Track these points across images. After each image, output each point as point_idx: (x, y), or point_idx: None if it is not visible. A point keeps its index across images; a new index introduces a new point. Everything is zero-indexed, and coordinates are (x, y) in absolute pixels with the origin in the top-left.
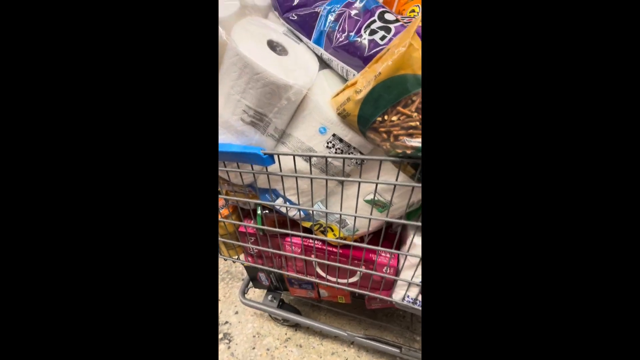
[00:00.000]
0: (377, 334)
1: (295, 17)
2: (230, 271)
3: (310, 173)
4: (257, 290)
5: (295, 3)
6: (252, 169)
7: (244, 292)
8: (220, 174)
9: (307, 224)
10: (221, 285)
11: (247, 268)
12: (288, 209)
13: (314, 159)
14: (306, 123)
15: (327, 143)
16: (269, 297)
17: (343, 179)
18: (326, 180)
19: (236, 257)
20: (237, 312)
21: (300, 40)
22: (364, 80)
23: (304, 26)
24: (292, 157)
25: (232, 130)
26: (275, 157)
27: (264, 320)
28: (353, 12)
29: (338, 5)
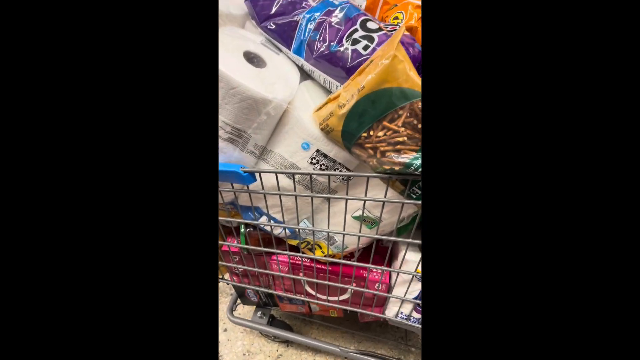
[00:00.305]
0: (371, 347)
1: (274, 27)
2: (219, 287)
3: (295, 190)
4: (246, 306)
5: (273, 12)
6: (233, 187)
7: (232, 310)
8: None
9: (294, 242)
10: None
11: (234, 285)
12: (273, 227)
13: (297, 176)
14: (288, 139)
15: (311, 159)
16: (259, 314)
17: (329, 196)
18: (311, 197)
19: (220, 276)
20: (225, 330)
21: (280, 50)
22: (347, 94)
23: (283, 36)
24: (274, 175)
25: None
26: (257, 174)
27: (254, 337)
28: (334, 20)
29: (318, 14)
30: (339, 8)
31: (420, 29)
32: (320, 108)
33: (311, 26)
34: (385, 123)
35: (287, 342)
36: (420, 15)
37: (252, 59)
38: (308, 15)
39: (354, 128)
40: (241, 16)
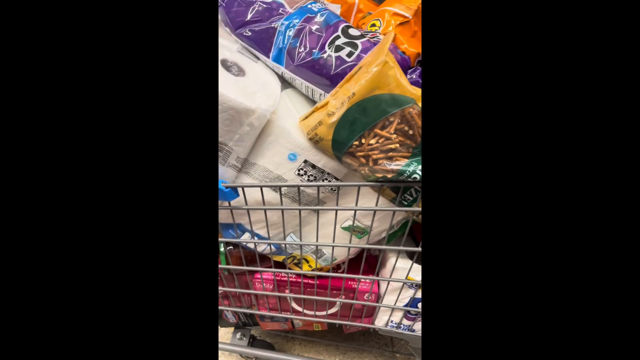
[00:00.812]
0: (356, 357)
1: (250, 34)
2: None
3: (281, 204)
4: (222, 328)
5: (248, 18)
6: None
7: None
8: None
9: (279, 258)
10: None
11: None
12: (257, 244)
13: (284, 189)
14: (273, 150)
15: (299, 170)
16: (238, 335)
17: (318, 207)
18: (299, 210)
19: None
20: None
21: (257, 58)
22: (337, 102)
23: (260, 43)
24: (259, 188)
25: None
26: (240, 189)
27: (233, 359)
28: (314, 27)
29: (297, 20)
30: (318, 14)
31: (398, 36)
32: (306, 117)
33: (290, 33)
34: (377, 130)
35: None
36: (397, 22)
37: (229, 67)
38: (287, 22)
39: (345, 137)
40: None
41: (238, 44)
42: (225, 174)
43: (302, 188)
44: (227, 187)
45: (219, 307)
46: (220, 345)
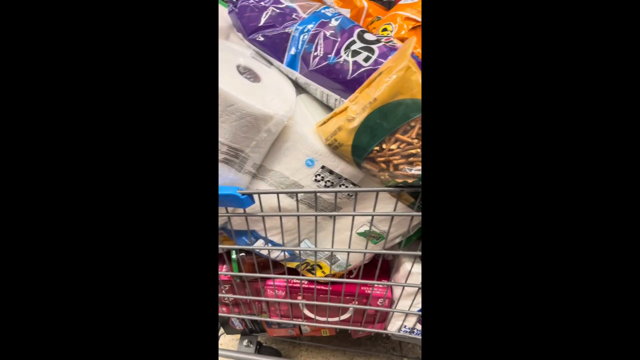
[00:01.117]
0: None
1: (263, 39)
2: None
3: (297, 210)
4: (227, 335)
5: (261, 23)
6: (227, 211)
7: None
8: None
9: (293, 265)
10: None
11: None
12: (270, 250)
13: (300, 195)
14: (290, 156)
15: (316, 176)
16: (244, 343)
17: (335, 213)
18: (315, 216)
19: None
20: None
21: (271, 63)
22: (357, 107)
23: (274, 48)
24: (274, 194)
25: None
26: (256, 196)
27: None
28: (329, 32)
29: (311, 25)
30: (332, 19)
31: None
32: (324, 122)
33: (305, 38)
34: (398, 135)
35: None
36: (410, 27)
37: (244, 73)
38: (301, 27)
39: (366, 142)
40: (225, 27)
41: (251, 49)
42: (241, 180)
43: (318, 194)
44: (243, 194)
45: (229, 315)
46: (227, 353)
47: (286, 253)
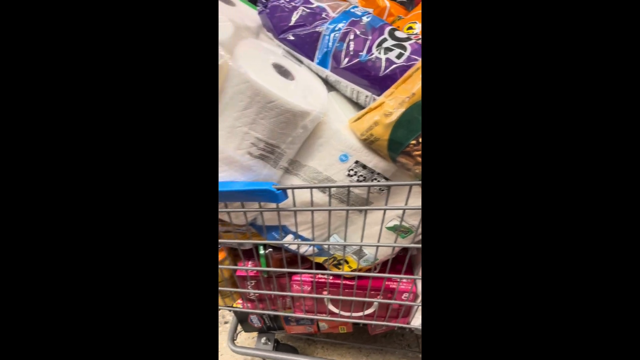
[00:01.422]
0: (380, 359)
1: (293, 38)
2: None
3: (329, 205)
4: (245, 333)
5: (292, 23)
6: (260, 206)
7: (233, 339)
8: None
9: (320, 260)
10: None
11: (236, 311)
12: (299, 245)
13: (333, 189)
14: (323, 152)
15: (349, 171)
16: (263, 340)
17: (367, 207)
18: (347, 211)
19: (232, 304)
20: None
21: (301, 62)
22: (394, 102)
23: (304, 47)
24: (306, 189)
25: (236, 166)
26: (289, 191)
27: None
28: (359, 30)
29: (342, 24)
30: (363, 17)
31: None
32: (359, 118)
33: (336, 36)
34: None
35: None
36: None
37: (279, 71)
38: (332, 26)
39: (403, 136)
40: (255, 27)
41: (281, 48)
42: (274, 176)
43: (350, 189)
44: (278, 189)
45: (254, 311)
46: (246, 351)
47: (315, 248)
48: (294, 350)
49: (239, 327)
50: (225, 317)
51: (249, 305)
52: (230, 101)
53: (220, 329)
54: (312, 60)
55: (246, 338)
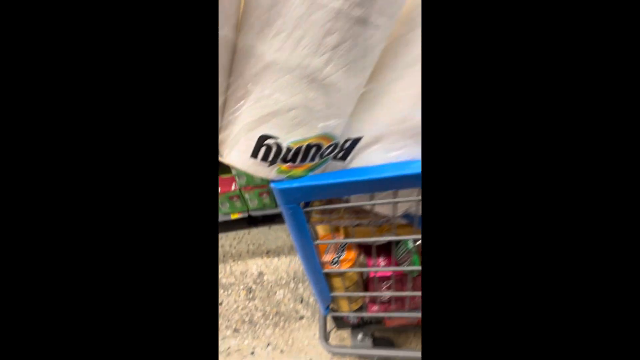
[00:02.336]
0: None
1: None
2: (280, 311)
3: None
4: (339, 329)
5: None
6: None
7: (326, 338)
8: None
9: None
10: (278, 331)
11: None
12: None
13: None
14: None
15: None
16: (359, 337)
17: None
18: None
19: (357, 309)
20: None
21: None
22: None
23: None
24: None
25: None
26: None
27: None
28: None
29: None
30: None
31: None
32: None
33: None
34: None
35: None
36: None
37: None
38: None
39: None
40: None
41: None
42: None
43: None
44: None
45: (386, 314)
46: (344, 350)
47: None
48: (390, 343)
49: (329, 324)
50: (300, 312)
51: (375, 308)
52: None
53: (297, 325)
54: None
55: (334, 334)
